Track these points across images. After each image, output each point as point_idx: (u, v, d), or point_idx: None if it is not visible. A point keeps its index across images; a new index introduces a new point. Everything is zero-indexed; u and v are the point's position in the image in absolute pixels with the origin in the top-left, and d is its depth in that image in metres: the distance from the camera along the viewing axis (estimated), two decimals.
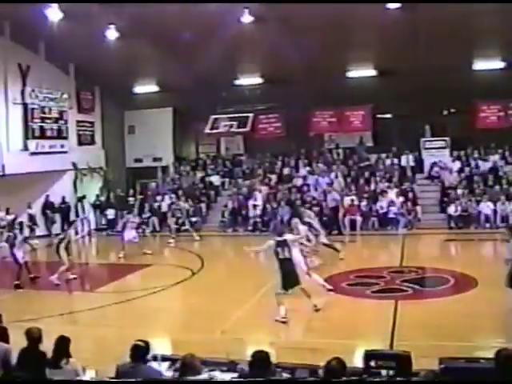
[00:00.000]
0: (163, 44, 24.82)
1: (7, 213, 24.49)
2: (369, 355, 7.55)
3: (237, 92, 29.63)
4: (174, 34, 23.52)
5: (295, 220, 17.37)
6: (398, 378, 7.18)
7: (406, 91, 25.11)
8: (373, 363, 7.42)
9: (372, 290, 15.22)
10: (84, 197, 29.08)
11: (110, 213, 28.65)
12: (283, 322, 12.51)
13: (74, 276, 18.27)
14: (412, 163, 28.31)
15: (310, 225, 18.24)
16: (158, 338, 12.02)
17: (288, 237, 13.51)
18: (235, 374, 7.70)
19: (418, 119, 27.16)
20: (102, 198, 30.01)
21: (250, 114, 30.11)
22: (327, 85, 26.33)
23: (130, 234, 22.04)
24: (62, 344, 7.69)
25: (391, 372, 7.25)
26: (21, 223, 24.61)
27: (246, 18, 22.51)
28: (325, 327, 12.04)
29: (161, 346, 11.31)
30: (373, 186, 27.17)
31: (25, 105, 26.05)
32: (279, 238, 13.23)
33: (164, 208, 28.39)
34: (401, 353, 7.70)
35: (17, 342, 8.33)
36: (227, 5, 21.29)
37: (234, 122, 30.24)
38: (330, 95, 27.28)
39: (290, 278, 12.91)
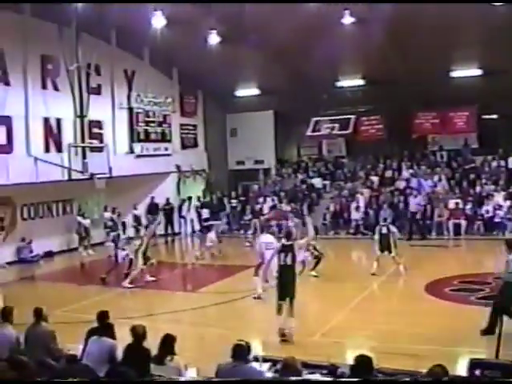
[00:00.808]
0: (264, 47, 25.01)
1: (113, 212, 25.31)
2: (474, 364, 7.36)
3: (338, 94, 29.49)
4: (275, 37, 23.66)
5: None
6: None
7: None
8: (477, 372, 7.23)
9: (477, 296, 14.83)
10: (191, 198, 29.69)
11: (205, 212, 29.01)
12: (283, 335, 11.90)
13: (153, 278, 18.46)
14: None
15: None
16: (258, 339, 12.11)
17: (299, 241, 12.61)
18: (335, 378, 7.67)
19: None
20: (205, 200, 30.49)
21: (352, 116, 29.90)
22: (430, 85, 25.86)
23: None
24: (168, 341, 7.90)
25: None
26: (123, 223, 25.52)
27: (347, 20, 22.35)
28: (427, 333, 11.79)
29: (261, 347, 11.40)
30: (478, 189, 26.40)
31: (130, 109, 26.89)
32: (286, 243, 12.20)
33: (266, 210, 28.60)
34: (508, 363, 7.47)
35: (122, 339, 8.62)
36: (328, 6, 21.20)
37: (336, 125, 30.11)
38: (433, 96, 26.75)
39: (286, 288, 12.03)
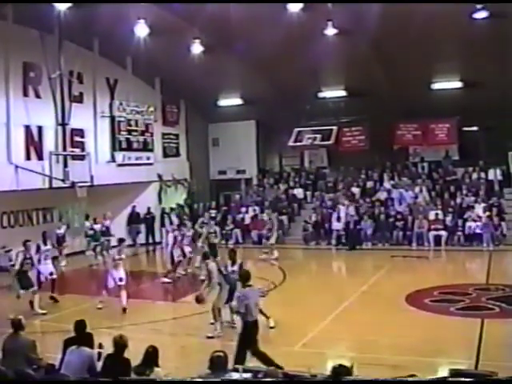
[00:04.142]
0: (247, 57, 25.08)
1: (95, 222, 25.11)
2: (453, 375, 7.37)
3: (320, 105, 29.53)
4: (258, 47, 23.68)
5: None
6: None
7: (493, 103, 24.50)
8: None
9: (457, 307, 14.87)
10: (173, 209, 29.51)
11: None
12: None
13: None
14: (500, 177, 27.46)
15: None
16: None
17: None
18: None
19: (506, 132, 26.22)
20: (187, 210, 30.39)
21: (334, 127, 29.91)
22: (412, 97, 25.99)
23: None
24: (153, 354, 7.82)
25: None
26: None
27: (330, 31, 22.42)
28: (407, 344, 11.81)
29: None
30: (459, 201, 26.54)
31: (112, 118, 26.80)
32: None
33: (247, 220, 28.65)
34: (487, 373, 7.48)
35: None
36: (311, 17, 21.24)
37: (318, 135, 30.10)
38: (415, 108, 26.87)
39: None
